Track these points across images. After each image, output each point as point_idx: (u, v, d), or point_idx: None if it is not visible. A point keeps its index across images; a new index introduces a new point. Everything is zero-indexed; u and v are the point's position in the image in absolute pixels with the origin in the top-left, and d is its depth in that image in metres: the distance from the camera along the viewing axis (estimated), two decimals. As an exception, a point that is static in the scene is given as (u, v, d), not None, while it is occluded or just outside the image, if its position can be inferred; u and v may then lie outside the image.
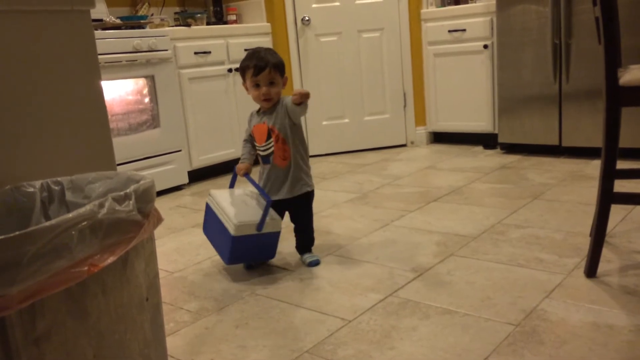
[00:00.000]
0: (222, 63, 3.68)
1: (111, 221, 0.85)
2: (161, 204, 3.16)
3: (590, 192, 2.66)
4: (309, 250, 2.16)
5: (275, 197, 2.07)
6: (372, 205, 2.80)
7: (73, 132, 1.25)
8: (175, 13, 4.00)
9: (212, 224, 2.07)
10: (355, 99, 4.10)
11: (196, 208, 3.04)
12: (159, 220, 1.00)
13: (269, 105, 2.06)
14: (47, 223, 0.77)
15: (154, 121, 3.33)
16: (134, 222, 0.90)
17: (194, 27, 3.57)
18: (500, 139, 3.68)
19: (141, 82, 3.27)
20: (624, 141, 2.61)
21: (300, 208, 2.13)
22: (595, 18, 1.77)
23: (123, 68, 3.15)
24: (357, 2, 3.99)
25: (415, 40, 4.04)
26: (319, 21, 3.99)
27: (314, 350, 1.51)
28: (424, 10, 4.00)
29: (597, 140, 3.24)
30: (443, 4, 4.07)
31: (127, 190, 0.91)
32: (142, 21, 3.45)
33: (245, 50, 3.59)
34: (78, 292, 0.83)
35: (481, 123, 3.88)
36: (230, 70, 3.68)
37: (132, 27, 3.36)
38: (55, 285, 0.78)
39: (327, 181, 3.36)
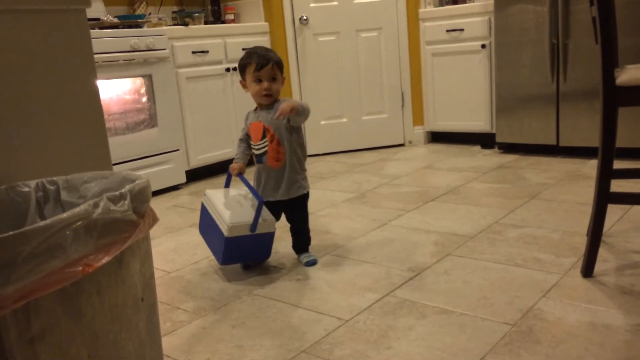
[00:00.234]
0: (219, 62, 3.68)
1: (106, 221, 0.85)
2: (158, 204, 3.16)
3: (588, 192, 2.66)
4: (306, 250, 2.16)
5: (271, 199, 2.07)
6: (370, 204, 2.80)
7: (69, 132, 1.24)
8: (173, 12, 3.99)
9: (207, 225, 2.07)
10: (353, 99, 4.10)
11: (193, 208, 3.04)
12: (154, 220, 1.00)
13: (269, 102, 2.06)
14: (42, 223, 0.77)
15: (151, 120, 3.33)
16: (129, 222, 0.90)
17: (191, 27, 3.57)
18: (498, 139, 3.69)
19: (139, 81, 3.27)
20: (621, 141, 2.62)
21: (296, 209, 2.13)
22: (592, 18, 1.77)
23: (120, 67, 3.14)
24: (355, 1, 3.99)
25: (413, 39, 4.04)
26: (317, 21, 3.99)
27: (310, 349, 1.51)
28: (422, 10, 4.00)
29: (594, 140, 3.24)
30: (441, 4, 4.07)
31: (123, 190, 0.91)
32: (139, 20, 3.45)
33: (243, 49, 3.58)
34: (73, 292, 0.83)
35: (479, 123, 3.88)
36: (228, 70, 3.68)
37: (130, 26, 3.35)
38: (50, 285, 0.78)
39: (325, 181, 3.36)
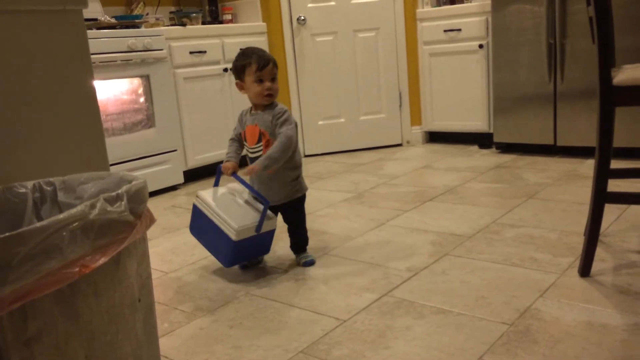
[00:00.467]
0: (217, 63, 3.67)
1: (103, 222, 0.85)
2: (156, 204, 3.16)
3: (585, 192, 2.67)
4: (304, 250, 2.16)
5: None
6: (368, 204, 2.80)
7: (65, 132, 1.24)
8: (171, 12, 3.99)
9: (203, 227, 2.06)
10: (351, 99, 4.10)
11: (191, 208, 3.03)
12: (151, 220, 1.00)
13: (270, 101, 2.05)
14: (38, 224, 0.77)
15: (149, 121, 3.32)
16: (126, 223, 0.90)
17: (189, 27, 3.57)
18: (496, 139, 3.69)
19: (136, 81, 3.27)
20: (618, 141, 2.62)
21: (292, 211, 2.13)
22: (589, 18, 1.77)
23: (118, 68, 3.14)
24: (353, 1, 3.99)
25: (411, 39, 4.04)
26: (314, 21, 3.99)
27: (308, 350, 1.51)
28: (419, 10, 4.00)
29: (591, 139, 3.24)
30: (438, 4, 4.07)
31: (119, 191, 0.90)
32: (137, 20, 3.44)
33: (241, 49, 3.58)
34: (69, 293, 0.82)
35: (476, 122, 3.89)
36: (225, 70, 3.68)
37: (127, 27, 3.35)
38: (47, 286, 0.78)
39: (323, 181, 3.36)
